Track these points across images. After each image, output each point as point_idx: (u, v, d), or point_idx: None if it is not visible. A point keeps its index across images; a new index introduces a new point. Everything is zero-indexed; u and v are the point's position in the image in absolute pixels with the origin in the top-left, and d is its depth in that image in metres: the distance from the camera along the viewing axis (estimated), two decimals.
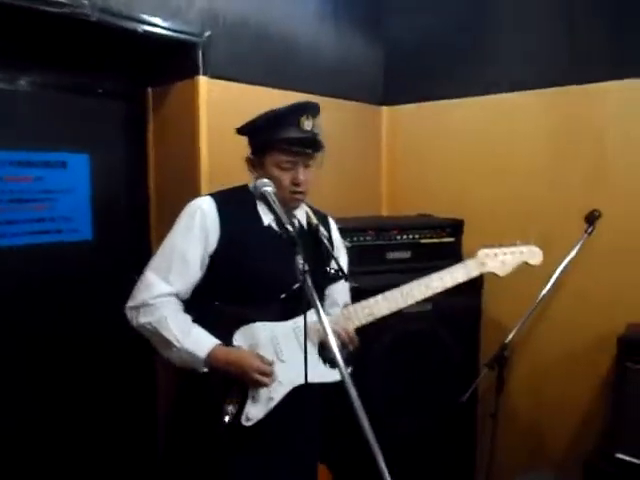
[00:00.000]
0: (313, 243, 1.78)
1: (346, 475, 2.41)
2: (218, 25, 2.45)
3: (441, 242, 2.66)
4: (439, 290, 1.76)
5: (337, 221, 2.56)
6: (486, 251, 1.78)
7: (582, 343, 2.65)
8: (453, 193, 3.04)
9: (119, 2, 2.15)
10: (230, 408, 1.58)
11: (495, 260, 1.78)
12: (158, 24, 2.26)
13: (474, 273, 1.76)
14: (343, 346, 1.69)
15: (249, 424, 1.59)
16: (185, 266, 1.66)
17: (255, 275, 1.67)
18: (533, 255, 1.85)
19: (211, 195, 1.75)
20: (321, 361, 1.69)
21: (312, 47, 2.86)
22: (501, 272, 1.80)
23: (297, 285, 1.56)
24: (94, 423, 2.59)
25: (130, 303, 1.68)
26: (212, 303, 1.67)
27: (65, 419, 2.50)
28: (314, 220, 1.83)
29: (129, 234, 2.66)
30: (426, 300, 2.52)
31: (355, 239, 2.48)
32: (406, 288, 1.74)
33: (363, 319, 1.74)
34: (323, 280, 1.80)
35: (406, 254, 2.61)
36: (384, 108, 3.30)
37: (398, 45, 3.23)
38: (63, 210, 2.47)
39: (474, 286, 2.65)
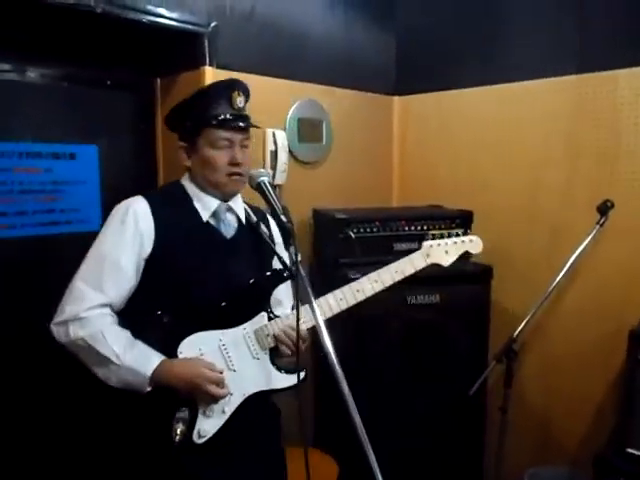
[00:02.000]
0: (254, 241, 1.69)
1: (351, 465, 2.41)
2: (224, 15, 2.44)
3: (450, 234, 2.61)
4: (389, 284, 1.75)
5: (343, 211, 2.57)
6: (430, 243, 1.84)
7: (594, 336, 2.60)
8: (465, 184, 3.00)
9: None
10: (180, 427, 1.47)
11: (439, 250, 1.83)
12: (163, 15, 2.26)
13: (420, 265, 1.80)
14: (291, 349, 1.60)
15: (201, 441, 1.51)
16: (119, 273, 1.53)
17: (196, 279, 1.56)
18: (473, 244, 1.91)
19: (143, 195, 1.64)
20: (273, 367, 1.65)
21: (321, 36, 2.84)
22: (445, 262, 1.84)
23: (246, 286, 1.53)
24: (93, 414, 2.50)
25: (57, 318, 1.52)
26: (151, 313, 1.54)
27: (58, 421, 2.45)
28: (253, 217, 1.73)
29: None
30: (434, 290, 2.55)
31: (361, 230, 2.47)
32: (355, 285, 1.70)
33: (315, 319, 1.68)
34: (270, 280, 1.67)
35: (414, 245, 2.56)
36: (396, 98, 3.26)
37: (410, 34, 3.18)
38: (72, 201, 2.48)
39: (483, 276, 2.63)
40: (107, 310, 1.54)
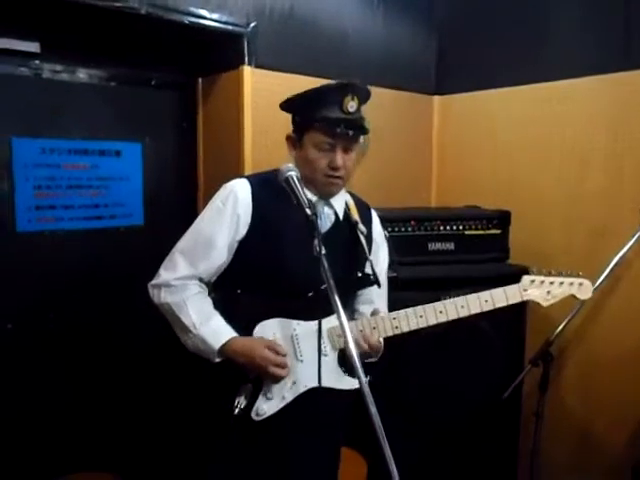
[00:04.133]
0: (349, 238, 1.70)
1: (380, 462, 2.41)
2: (264, 16, 2.49)
3: (487, 234, 2.59)
4: (475, 312, 1.68)
5: (378, 210, 2.57)
6: (531, 278, 1.68)
7: (636, 342, 2.51)
8: (503, 184, 2.94)
9: None
10: (241, 401, 1.55)
11: (540, 289, 1.68)
12: (204, 16, 2.33)
13: (514, 299, 1.68)
14: (363, 356, 1.60)
15: (258, 419, 1.59)
16: (211, 250, 1.62)
17: (283, 267, 1.61)
18: (582, 289, 1.71)
19: (248, 178, 1.70)
20: (340, 367, 1.67)
21: (360, 36, 2.84)
22: (544, 302, 1.70)
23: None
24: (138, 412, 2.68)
25: (153, 281, 1.67)
26: (237, 291, 1.64)
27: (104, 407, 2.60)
28: (354, 216, 1.73)
29: (178, 219, 2.74)
30: (469, 291, 2.51)
31: (396, 229, 2.46)
32: (440, 306, 1.65)
33: (390, 331, 1.66)
34: (355, 282, 1.73)
35: (449, 245, 2.55)
36: (436, 97, 3.24)
37: (450, 33, 3.16)
38: (117, 196, 2.59)
39: (519, 277, 2.57)
40: (196, 281, 1.65)
